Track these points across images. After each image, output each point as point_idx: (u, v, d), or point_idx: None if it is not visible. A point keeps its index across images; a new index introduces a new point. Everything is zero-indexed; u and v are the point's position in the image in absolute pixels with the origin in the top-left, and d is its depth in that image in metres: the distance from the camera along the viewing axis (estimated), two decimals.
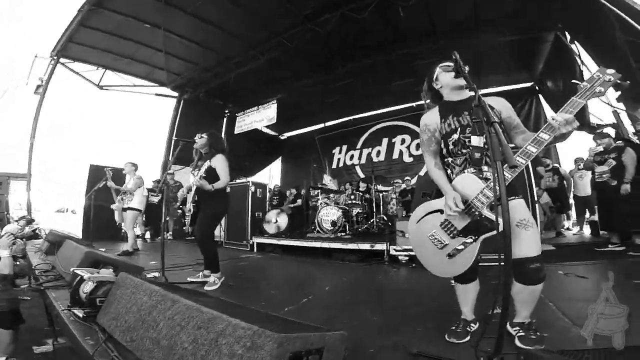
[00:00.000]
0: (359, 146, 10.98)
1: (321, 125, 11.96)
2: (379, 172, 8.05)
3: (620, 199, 4.04)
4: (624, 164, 4.09)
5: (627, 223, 4.19)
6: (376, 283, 3.37)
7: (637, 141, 5.06)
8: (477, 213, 1.48)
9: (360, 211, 6.38)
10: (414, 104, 9.99)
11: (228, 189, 3.19)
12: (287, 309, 2.37)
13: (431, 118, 1.68)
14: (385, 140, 10.44)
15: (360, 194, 6.77)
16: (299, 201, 8.14)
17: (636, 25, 3.81)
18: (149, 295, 1.53)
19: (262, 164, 12.89)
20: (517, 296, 1.49)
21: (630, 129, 5.39)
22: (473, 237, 1.49)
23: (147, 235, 7.82)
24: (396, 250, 4.20)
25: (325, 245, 4.96)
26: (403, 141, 10.11)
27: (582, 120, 5.51)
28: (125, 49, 7.70)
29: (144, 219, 7.26)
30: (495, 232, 1.32)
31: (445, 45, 6.75)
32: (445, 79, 1.65)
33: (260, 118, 9.52)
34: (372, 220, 6.53)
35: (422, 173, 9.10)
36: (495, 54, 7.22)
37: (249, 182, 6.43)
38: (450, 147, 1.61)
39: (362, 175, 9.95)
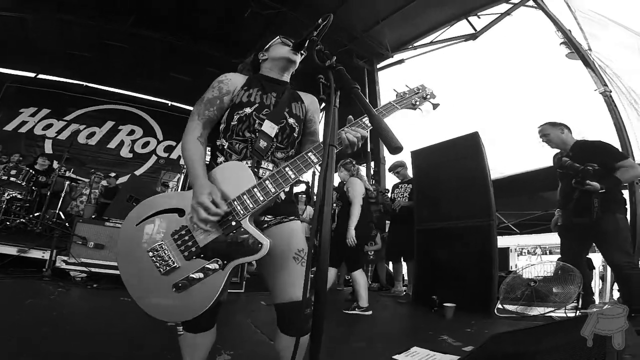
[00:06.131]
0: (69, 118, 8.10)
1: (29, 74, 8.06)
2: (79, 155, 5.91)
3: None
4: None
5: None
6: (23, 308, 2.11)
7: None
8: (233, 223, 0.99)
9: (19, 197, 4.35)
10: (169, 103, 9.07)
11: None
12: None
13: (234, 78, 1.25)
14: (109, 124, 8.42)
15: (32, 173, 4.68)
16: None
17: None
18: None
19: None
20: (283, 352, 1.08)
21: None
22: (220, 262, 0.98)
23: None
24: (68, 263, 3.04)
25: None
26: (132, 132, 8.57)
27: None
28: None
29: None
30: (255, 257, 0.96)
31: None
32: (278, 50, 1.29)
33: None
34: (37, 215, 4.60)
35: (138, 173, 7.81)
36: None
37: None
38: (234, 122, 1.16)
39: (49, 151, 7.21)
